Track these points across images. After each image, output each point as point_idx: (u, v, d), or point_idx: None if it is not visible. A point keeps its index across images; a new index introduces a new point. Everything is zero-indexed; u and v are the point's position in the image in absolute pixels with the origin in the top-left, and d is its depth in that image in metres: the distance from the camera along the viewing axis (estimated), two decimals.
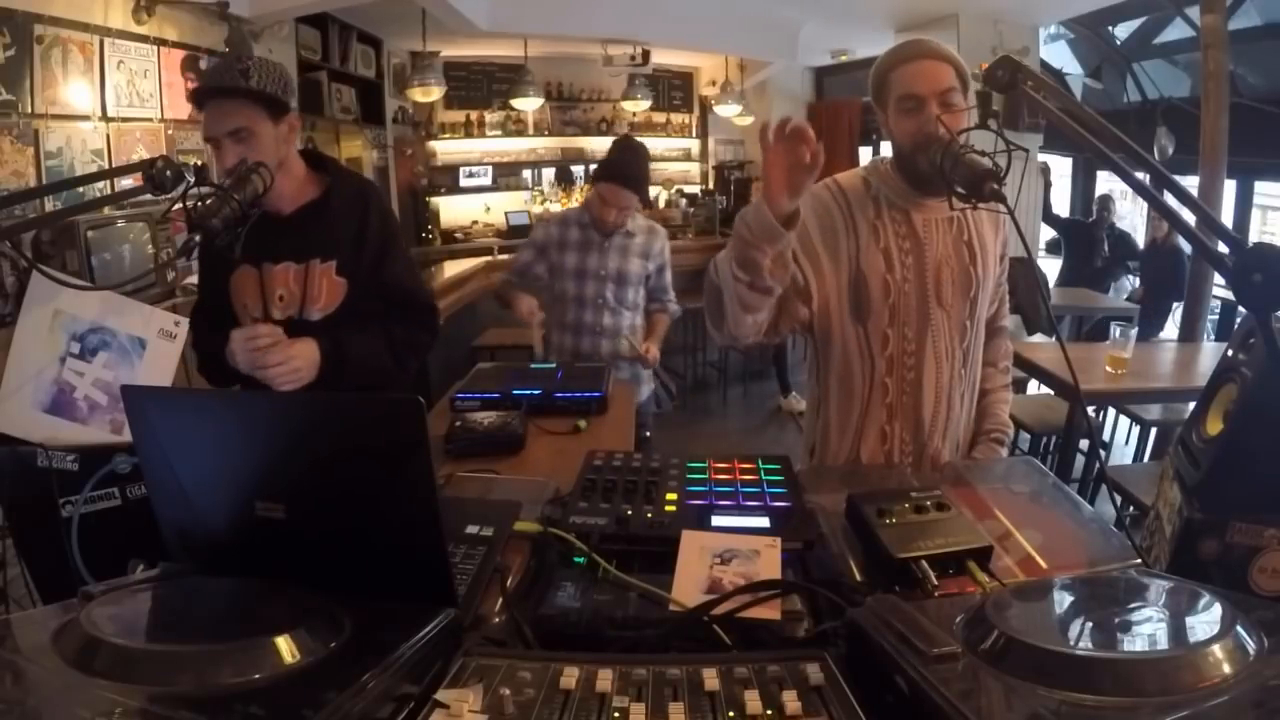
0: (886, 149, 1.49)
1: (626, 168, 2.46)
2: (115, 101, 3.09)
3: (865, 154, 7.32)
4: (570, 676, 0.63)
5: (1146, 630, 0.65)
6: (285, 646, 0.61)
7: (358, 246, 1.58)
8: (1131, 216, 7.70)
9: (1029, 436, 3.55)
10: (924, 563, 0.86)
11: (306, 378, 1.46)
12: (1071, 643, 0.63)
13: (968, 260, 1.46)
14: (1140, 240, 6.03)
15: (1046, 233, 6.24)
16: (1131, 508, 2.42)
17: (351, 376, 1.52)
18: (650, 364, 2.57)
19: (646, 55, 6.27)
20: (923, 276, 1.44)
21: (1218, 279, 3.77)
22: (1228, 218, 5.09)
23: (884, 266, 1.42)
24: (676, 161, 8.51)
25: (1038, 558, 0.97)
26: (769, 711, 0.59)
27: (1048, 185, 6.09)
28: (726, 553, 0.90)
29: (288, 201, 1.56)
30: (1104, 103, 6.25)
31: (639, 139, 2.97)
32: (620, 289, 2.53)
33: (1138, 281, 5.71)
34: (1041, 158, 5.84)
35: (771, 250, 1.22)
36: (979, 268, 1.47)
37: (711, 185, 8.13)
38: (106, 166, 2.94)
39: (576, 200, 7.74)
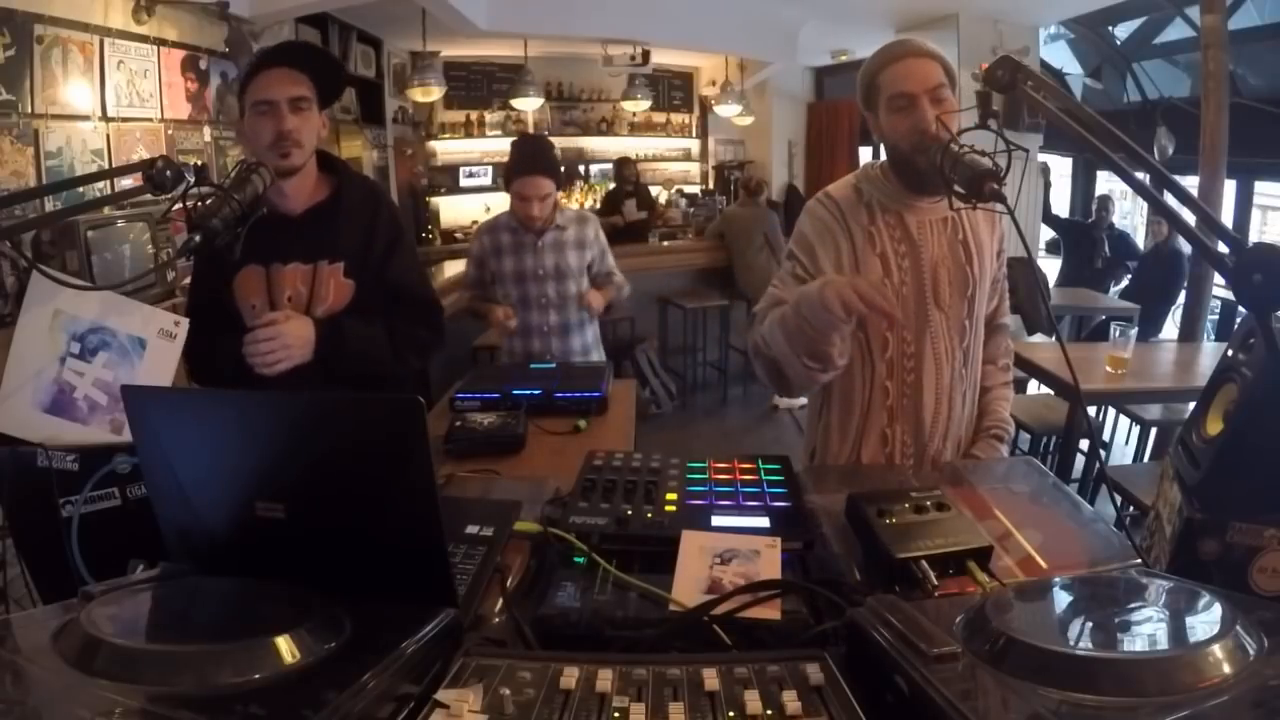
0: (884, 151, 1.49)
1: (531, 158, 2.43)
2: (115, 101, 3.08)
3: (865, 154, 7.33)
4: (570, 676, 0.63)
5: (1146, 630, 0.65)
6: (285, 646, 0.61)
7: (366, 248, 1.58)
8: (1132, 216, 7.70)
9: (1029, 436, 3.55)
10: (924, 563, 0.86)
11: (299, 355, 1.44)
12: (1071, 643, 0.63)
13: (964, 260, 1.46)
14: (1140, 241, 6.03)
15: (1046, 233, 6.24)
16: (1131, 508, 2.42)
17: (349, 361, 1.51)
18: (591, 309, 2.52)
19: (646, 55, 6.27)
20: (920, 278, 1.44)
21: (1218, 279, 3.77)
22: (1228, 218, 5.09)
23: (881, 271, 1.42)
24: (676, 161, 8.52)
25: (1038, 558, 0.97)
26: (769, 711, 0.59)
27: (1047, 185, 6.09)
28: (726, 553, 0.90)
29: (298, 202, 1.55)
30: (1104, 103, 6.25)
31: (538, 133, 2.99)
32: (561, 284, 2.51)
33: (1127, 280, 5.69)
34: (1041, 158, 5.84)
35: (839, 339, 1.30)
36: (975, 267, 1.47)
37: (711, 185, 8.14)
38: (106, 166, 2.94)
39: (576, 200, 7.75)
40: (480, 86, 7.43)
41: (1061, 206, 6.87)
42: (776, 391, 1.51)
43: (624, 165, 6.95)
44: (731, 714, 0.59)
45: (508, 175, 2.47)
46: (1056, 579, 0.82)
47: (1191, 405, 0.98)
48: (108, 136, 3.05)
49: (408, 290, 1.64)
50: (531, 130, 7.56)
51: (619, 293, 2.65)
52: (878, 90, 1.39)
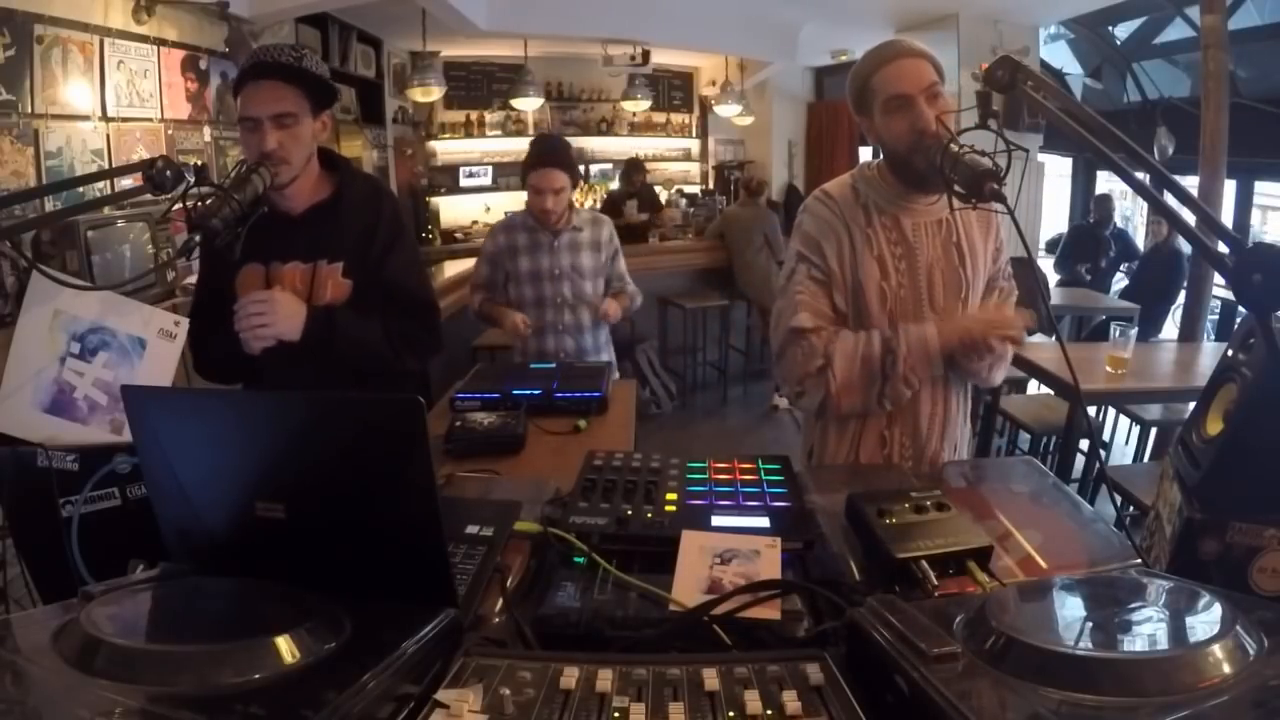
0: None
1: (548, 153, 2.49)
2: (115, 101, 3.09)
3: (865, 154, 7.33)
4: (570, 676, 0.63)
5: (1146, 630, 0.65)
6: (285, 646, 0.61)
7: (366, 248, 1.57)
8: (1132, 216, 7.71)
9: (1029, 436, 3.55)
10: (924, 563, 0.86)
11: (285, 329, 1.43)
12: (1071, 643, 0.63)
13: (957, 262, 1.46)
14: (1140, 241, 6.04)
15: (1046, 232, 6.24)
16: (1131, 508, 2.41)
17: (342, 351, 1.51)
18: (609, 317, 2.53)
19: (646, 55, 6.28)
20: (916, 281, 1.44)
21: (1218, 279, 3.77)
22: (1228, 218, 5.09)
23: (879, 273, 1.43)
24: (676, 161, 8.52)
25: (1038, 558, 0.97)
26: (769, 711, 0.59)
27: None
28: (726, 553, 0.90)
29: (299, 202, 1.54)
30: (1104, 103, 6.26)
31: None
32: (576, 284, 2.54)
33: (1127, 281, 5.70)
34: (1041, 158, 5.84)
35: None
36: (969, 270, 1.47)
37: (711, 185, 8.13)
38: (106, 166, 2.95)
39: (577, 200, 7.75)
40: (480, 86, 7.43)
41: (1061, 206, 6.87)
42: (816, 415, 1.51)
43: (633, 168, 6.92)
44: (731, 714, 0.59)
45: (524, 170, 2.52)
46: (1056, 579, 0.82)
47: (1191, 405, 0.98)
48: (108, 136, 3.05)
49: (405, 290, 1.63)
50: (533, 131, 7.58)
51: (632, 302, 2.68)
52: (872, 93, 1.39)
